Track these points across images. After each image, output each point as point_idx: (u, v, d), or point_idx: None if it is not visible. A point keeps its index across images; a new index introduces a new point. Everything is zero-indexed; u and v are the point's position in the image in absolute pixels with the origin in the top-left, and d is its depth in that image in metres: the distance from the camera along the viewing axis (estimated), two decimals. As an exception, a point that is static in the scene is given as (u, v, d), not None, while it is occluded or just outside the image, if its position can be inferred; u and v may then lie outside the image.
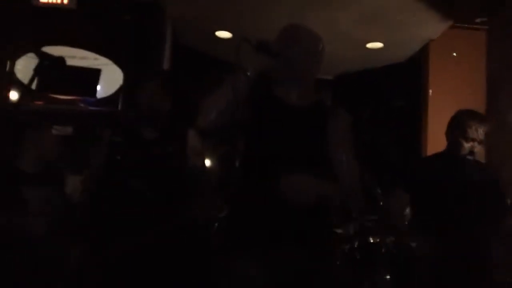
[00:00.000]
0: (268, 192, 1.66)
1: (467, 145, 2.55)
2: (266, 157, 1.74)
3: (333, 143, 1.77)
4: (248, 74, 1.65)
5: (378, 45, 4.77)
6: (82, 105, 4.06)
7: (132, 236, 2.20)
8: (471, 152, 2.57)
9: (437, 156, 2.71)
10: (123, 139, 2.36)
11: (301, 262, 1.68)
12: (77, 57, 4.05)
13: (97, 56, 4.09)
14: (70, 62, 3.82)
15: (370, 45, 4.79)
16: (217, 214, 2.92)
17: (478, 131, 2.55)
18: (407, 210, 2.65)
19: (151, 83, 2.44)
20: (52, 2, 3.99)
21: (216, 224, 3.08)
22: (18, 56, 3.94)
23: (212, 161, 3.67)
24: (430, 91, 4.41)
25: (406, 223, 2.62)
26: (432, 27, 4.28)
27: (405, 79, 4.92)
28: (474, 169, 2.59)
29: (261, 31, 4.34)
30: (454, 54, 4.38)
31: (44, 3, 4.01)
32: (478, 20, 4.27)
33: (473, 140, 2.55)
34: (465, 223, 2.46)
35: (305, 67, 1.80)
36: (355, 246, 3.06)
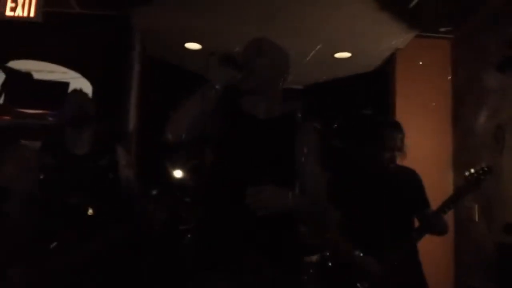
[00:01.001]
0: (235, 204, 1.67)
1: (386, 155, 2.51)
2: (234, 169, 1.75)
3: (301, 155, 1.79)
4: (217, 87, 1.67)
5: (346, 55, 4.85)
6: (50, 118, 4.00)
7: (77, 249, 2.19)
8: (391, 162, 2.53)
9: (357, 170, 2.65)
10: (53, 158, 2.38)
11: (268, 274, 1.69)
12: (45, 71, 4.00)
13: (65, 69, 4.05)
14: (37, 76, 3.84)
15: (338, 55, 4.86)
16: (186, 224, 2.93)
17: (396, 140, 2.52)
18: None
19: (78, 95, 2.52)
20: (17, 15, 3.92)
21: (189, 236, 3.07)
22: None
23: (181, 173, 3.66)
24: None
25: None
26: (398, 36, 4.37)
27: (373, 87, 5.01)
28: (396, 178, 2.57)
29: (231, 42, 4.37)
30: (420, 62, 4.48)
31: (9, 17, 3.95)
32: (442, 29, 4.39)
33: (391, 149, 2.51)
34: (393, 234, 2.46)
35: (270, 80, 1.83)
36: (326, 255, 3.07)
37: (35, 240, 2.27)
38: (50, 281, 2.18)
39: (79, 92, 2.56)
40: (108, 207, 2.32)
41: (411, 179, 2.67)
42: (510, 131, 3.52)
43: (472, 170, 2.52)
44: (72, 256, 2.21)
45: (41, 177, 2.33)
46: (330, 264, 2.85)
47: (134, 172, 2.58)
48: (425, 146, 4.26)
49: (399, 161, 2.61)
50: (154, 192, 2.33)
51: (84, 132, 2.46)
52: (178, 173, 3.99)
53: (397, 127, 2.58)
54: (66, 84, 3.99)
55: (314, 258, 3.26)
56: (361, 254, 2.42)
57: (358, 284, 2.42)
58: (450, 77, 4.49)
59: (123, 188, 2.46)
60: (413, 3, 3.83)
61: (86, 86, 4.04)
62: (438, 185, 3.98)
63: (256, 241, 1.70)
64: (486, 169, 2.49)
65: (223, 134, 1.77)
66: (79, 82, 4.03)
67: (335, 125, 4.46)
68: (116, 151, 2.52)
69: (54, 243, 2.21)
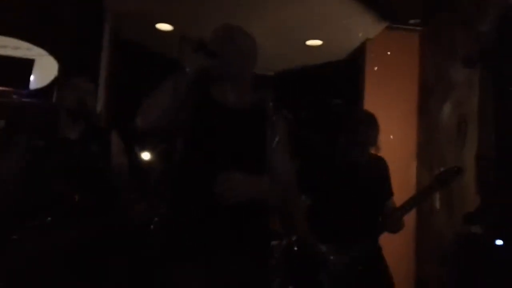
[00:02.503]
0: (204, 192, 1.68)
1: (358, 149, 2.56)
2: (204, 157, 1.75)
3: (271, 144, 1.80)
4: (188, 73, 1.66)
5: (317, 42, 4.87)
6: (14, 96, 3.89)
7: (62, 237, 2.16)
8: (362, 155, 2.59)
9: (330, 161, 2.68)
10: (44, 142, 2.31)
11: (237, 263, 1.70)
12: (10, 47, 3.88)
13: (30, 46, 3.93)
14: (1, 52, 3.72)
15: (309, 42, 4.88)
16: (154, 213, 2.90)
17: (369, 135, 2.56)
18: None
19: (77, 79, 2.42)
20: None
21: (152, 226, 3.05)
22: None
23: (150, 159, 3.63)
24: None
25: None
26: (369, 26, 4.42)
27: (343, 76, 5.05)
28: (365, 170, 2.61)
29: (202, 24, 4.33)
30: (388, 53, 4.54)
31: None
32: (412, 21, 4.45)
33: (363, 143, 2.56)
34: (360, 223, 2.52)
35: (240, 67, 1.83)
36: (293, 240, 3.11)
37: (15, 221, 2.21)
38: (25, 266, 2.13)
39: (82, 84, 2.45)
40: (95, 195, 2.26)
41: (379, 167, 2.71)
42: (473, 124, 3.62)
43: (443, 170, 2.58)
44: (49, 242, 2.16)
45: (29, 159, 2.26)
46: (296, 248, 2.89)
47: (127, 160, 2.51)
48: (390, 138, 4.33)
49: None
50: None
51: (76, 118, 2.40)
52: (146, 156, 3.96)
53: (372, 122, 2.60)
54: (31, 61, 3.88)
55: (282, 242, 3.29)
56: (324, 246, 2.47)
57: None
58: (417, 70, 4.57)
59: (114, 175, 2.39)
60: (384, -6, 3.88)
61: (52, 64, 3.95)
62: (401, 177, 4.09)
63: (225, 230, 1.71)
64: (456, 169, 2.56)
65: (193, 122, 1.77)
66: (45, 60, 3.94)
67: (306, 114, 4.49)
68: (110, 138, 2.45)
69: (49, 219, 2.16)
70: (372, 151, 2.64)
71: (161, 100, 1.66)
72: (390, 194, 2.73)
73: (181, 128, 1.77)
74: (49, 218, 2.16)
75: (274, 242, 3.21)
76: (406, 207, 2.56)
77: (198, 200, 1.72)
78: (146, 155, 3.89)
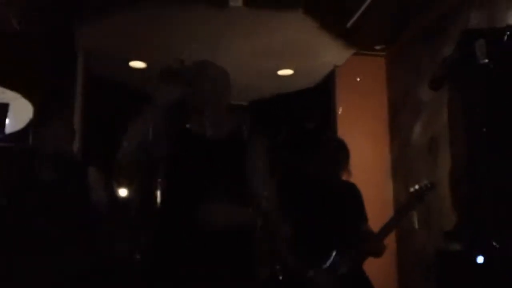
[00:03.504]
0: (188, 222, 1.71)
1: (330, 172, 2.65)
2: (185, 188, 1.78)
3: (249, 169, 1.84)
4: (159, 106, 1.70)
5: (288, 72, 4.98)
6: (-9, 140, 3.86)
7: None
8: (335, 178, 2.67)
9: (300, 183, 2.73)
10: (19, 184, 2.32)
11: None
12: (-21, 92, 3.87)
13: (3, 90, 3.93)
14: (-27, 97, 3.71)
15: (281, 72, 4.99)
16: (135, 246, 2.90)
17: (340, 159, 2.64)
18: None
19: (56, 122, 2.45)
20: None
21: (138, 256, 3.04)
22: None
23: (128, 193, 3.62)
24: (340, 110, 4.65)
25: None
26: (337, 54, 4.55)
27: (316, 102, 5.16)
28: (338, 193, 2.68)
29: (175, 60, 4.38)
30: (358, 79, 4.67)
31: None
32: (377, 47, 4.62)
33: (335, 168, 2.65)
34: (338, 245, 2.56)
35: (215, 99, 1.89)
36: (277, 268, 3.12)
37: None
38: None
39: (59, 130, 2.48)
40: (75, 232, 2.26)
41: (352, 193, 2.78)
42: (443, 142, 3.72)
43: (417, 187, 2.66)
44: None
45: (7, 202, 2.27)
46: (280, 277, 2.90)
47: (106, 195, 2.53)
48: (365, 159, 4.42)
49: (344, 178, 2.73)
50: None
51: (51, 156, 2.40)
52: (123, 193, 3.95)
53: (342, 147, 2.69)
54: (6, 105, 3.87)
55: (265, 270, 3.29)
56: (310, 270, 2.49)
57: None
58: (386, 92, 4.71)
59: (94, 210, 2.40)
60: (350, 23, 4.01)
61: (27, 107, 3.94)
62: (378, 195, 4.17)
63: (210, 259, 1.72)
64: (429, 185, 2.65)
65: (173, 154, 1.80)
66: (19, 102, 3.93)
67: (280, 138, 4.56)
68: (87, 174, 2.46)
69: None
70: (344, 176, 2.70)
71: (138, 134, 1.70)
72: (365, 219, 2.79)
73: (160, 161, 1.80)
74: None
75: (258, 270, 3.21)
76: (386, 228, 2.61)
77: (182, 230, 1.73)
78: (123, 190, 3.88)
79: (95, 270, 2.27)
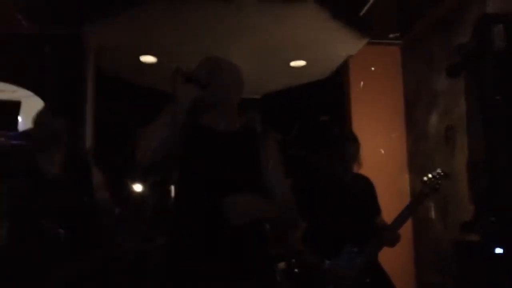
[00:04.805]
0: (204, 218, 1.69)
1: (342, 166, 2.62)
2: (201, 184, 1.76)
3: (264, 164, 1.82)
4: (182, 106, 1.68)
5: (301, 63, 4.92)
6: (2, 139, 3.88)
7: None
8: (347, 172, 2.64)
9: (314, 178, 2.73)
10: (26, 182, 2.29)
11: (243, 285, 1.69)
12: (-7, 90, 3.89)
13: (15, 88, 3.94)
14: (-14, 96, 3.73)
15: (293, 64, 4.93)
16: (150, 245, 2.89)
17: (352, 152, 2.61)
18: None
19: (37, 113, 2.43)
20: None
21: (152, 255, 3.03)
22: None
23: (142, 191, 3.62)
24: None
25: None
26: (350, 44, 4.48)
27: (329, 94, 5.10)
28: (351, 187, 2.65)
29: (186, 53, 4.39)
30: (372, 68, 4.60)
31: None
32: (391, 36, 4.53)
33: (347, 161, 2.61)
34: (353, 239, 2.53)
35: (228, 97, 1.88)
36: (292, 262, 3.10)
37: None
38: None
39: (44, 112, 2.44)
40: (82, 231, 2.23)
41: (365, 186, 2.76)
42: (460, 132, 3.66)
43: (430, 175, 2.62)
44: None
45: (13, 202, 2.24)
46: (296, 270, 2.89)
47: (110, 193, 2.49)
48: (380, 150, 4.37)
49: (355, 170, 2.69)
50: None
51: (55, 154, 2.37)
52: (138, 189, 3.95)
53: (354, 140, 2.66)
54: (18, 103, 3.88)
55: (281, 265, 3.28)
56: (327, 261, 2.47)
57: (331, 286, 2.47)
58: (401, 82, 4.64)
59: (98, 209, 2.37)
60: (363, 11, 3.94)
61: (39, 104, 3.95)
62: (394, 189, 4.11)
63: (228, 254, 1.71)
64: (442, 173, 2.60)
65: (186, 151, 1.78)
66: (32, 101, 3.94)
67: (292, 134, 4.53)
68: (91, 172, 2.43)
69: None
70: (355, 168, 2.67)
71: (159, 134, 1.67)
72: (378, 211, 2.77)
73: (174, 158, 1.78)
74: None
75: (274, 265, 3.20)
76: (401, 218, 2.58)
77: (199, 227, 1.72)
78: (138, 188, 3.87)
79: (104, 269, 2.26)
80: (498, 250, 2.77)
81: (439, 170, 2.63)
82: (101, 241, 2.28)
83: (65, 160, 2.39)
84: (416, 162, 4.37)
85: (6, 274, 2.17)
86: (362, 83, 4.56)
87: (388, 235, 2.58)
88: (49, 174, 2.34)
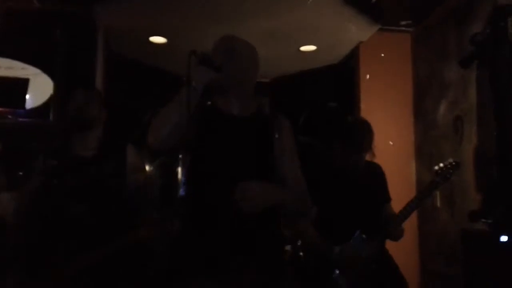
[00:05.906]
0: (219, 202, 1.67)
1: (354, 155, 2.59)
2: (214, 168, 1.74)
3: (277, 150, 1.81)
4: (197, 88, 1.65)
5: (311, 48, 4.88)
6: (10, 117, 3.88)
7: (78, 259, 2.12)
8: (359, 162, 2.62)
9: (324, 166, 2.72)
10: (58, 161, 2.24)
11: (256, 273, 1.69)
12: (2, 67, 3.87)
13: (24, 65, 3.93)
14: (-5, 72, 3.72)
15: (303, 48, 4.90)
16: (169, 230, 2.87)
17: (364, 141, 2.58)
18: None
19: (80, 95, 2.32)
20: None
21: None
22: None
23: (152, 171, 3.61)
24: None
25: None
26: (361, 30, 4.44)
27: (338, 80, 5.07)
28: (363, 175, 2.64)
29: (196, 35, 4.35)
30: (382, 55, 4.56)
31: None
32: (403, 23, 4.48)
33: (360, 150, 2.59)
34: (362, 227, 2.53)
35: (244, 79, 1.83)
36: (298, 245, 3.11)
37: (36, 248, 2.15)
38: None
39: (81, 92, 2.33)
40: (112, 215, 2.18)
41: (375, 173, 2.75)
42: (468, 121, 3.64)
43: (442, 165, 2.60)
44: (71, 267, 2.10)
45: (44, 183, 2.19)
46: (301, 254, 2.90)
47: (143, 177, 2.39)
48: (388, 139, 4.35)
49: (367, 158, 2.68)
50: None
51: (88, 135, 2.29)
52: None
53: (367, 128, 2.63)
54: (26, 81, 3.88)
55: (287, 247, 3.29)
56: (335, 246, 2.48)
57: (337, 271, 2.48)
58: (411, 70, 4.60)
59: (131, 193, 2.27)
60: (375, -3, 3.90)
61: (47, 82, 3.94)
62: (401, 177, 4.10)
63: (241, 239, 1.69)
64: (454, 163, 2.59)
65: (200, 133, 1.76)
66: (40, 78, 3.93)
67: (302, 120, 4.51)
68: (125, 153, 2.31)
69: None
70: (368, 157, 2.65)
71: (173, 117, 1.64)
72: (388, 199, 2.77)
73: (188, 141, 1.76)
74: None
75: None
76: (410, 208, 2.57)
77: (213, 211, 1.70)
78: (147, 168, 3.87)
79: (128, 253, 2.21)
80: (503, 238, 2.77)
81: (450, 160, 2.61)
82: (125, 226, 2.22)
83: (99, 143, 2.31)
84: (424, 151, 4.35)
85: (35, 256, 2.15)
86: (368, 76, 4.52)
87: (392, 230, 2.57)
88: (81, 156, 2.26)
